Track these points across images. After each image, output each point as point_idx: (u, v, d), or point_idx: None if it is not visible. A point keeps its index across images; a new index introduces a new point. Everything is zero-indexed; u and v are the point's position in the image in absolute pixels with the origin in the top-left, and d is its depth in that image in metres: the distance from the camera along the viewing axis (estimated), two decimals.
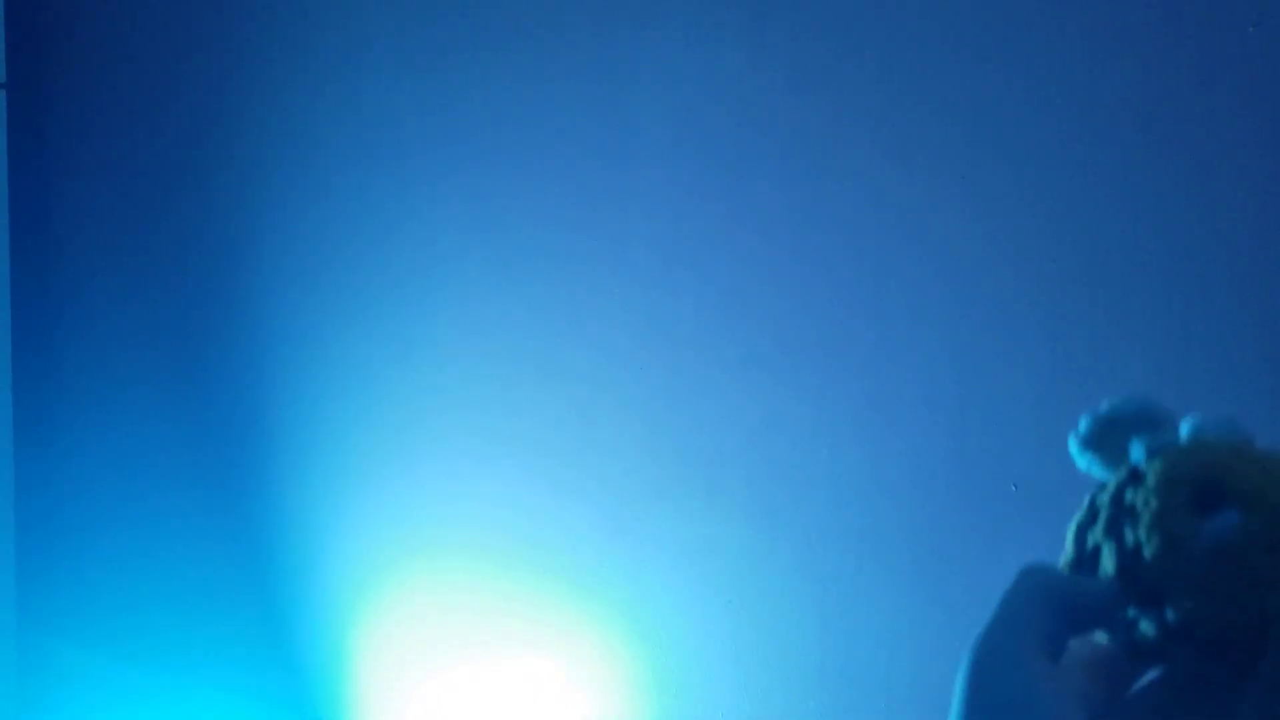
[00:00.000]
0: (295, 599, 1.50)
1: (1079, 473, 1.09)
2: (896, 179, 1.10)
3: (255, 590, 1.53)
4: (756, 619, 1.19)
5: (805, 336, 1.15)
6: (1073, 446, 0.50)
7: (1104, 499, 0.46)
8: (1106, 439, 0.49)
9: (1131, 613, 0.44)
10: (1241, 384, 0.97)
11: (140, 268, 1.63)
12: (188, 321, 1.58)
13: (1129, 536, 0.44)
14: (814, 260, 1.14)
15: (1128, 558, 0.44)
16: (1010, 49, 1.04)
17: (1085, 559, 0.46)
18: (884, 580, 1.13)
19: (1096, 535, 0.46)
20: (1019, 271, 1.05)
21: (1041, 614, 0.45)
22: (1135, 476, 0.46)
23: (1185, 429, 0.48)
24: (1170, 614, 0.43)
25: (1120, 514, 0.45)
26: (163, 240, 1.60)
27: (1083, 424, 0.50)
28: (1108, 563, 0.45)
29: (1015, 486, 1.06)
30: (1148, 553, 0.43)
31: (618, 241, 1.25)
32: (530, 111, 1.29)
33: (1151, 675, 0.45)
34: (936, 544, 1.10)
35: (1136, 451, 0.47)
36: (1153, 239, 1.00)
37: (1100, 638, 0.46)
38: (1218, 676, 0.43)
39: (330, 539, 1.47)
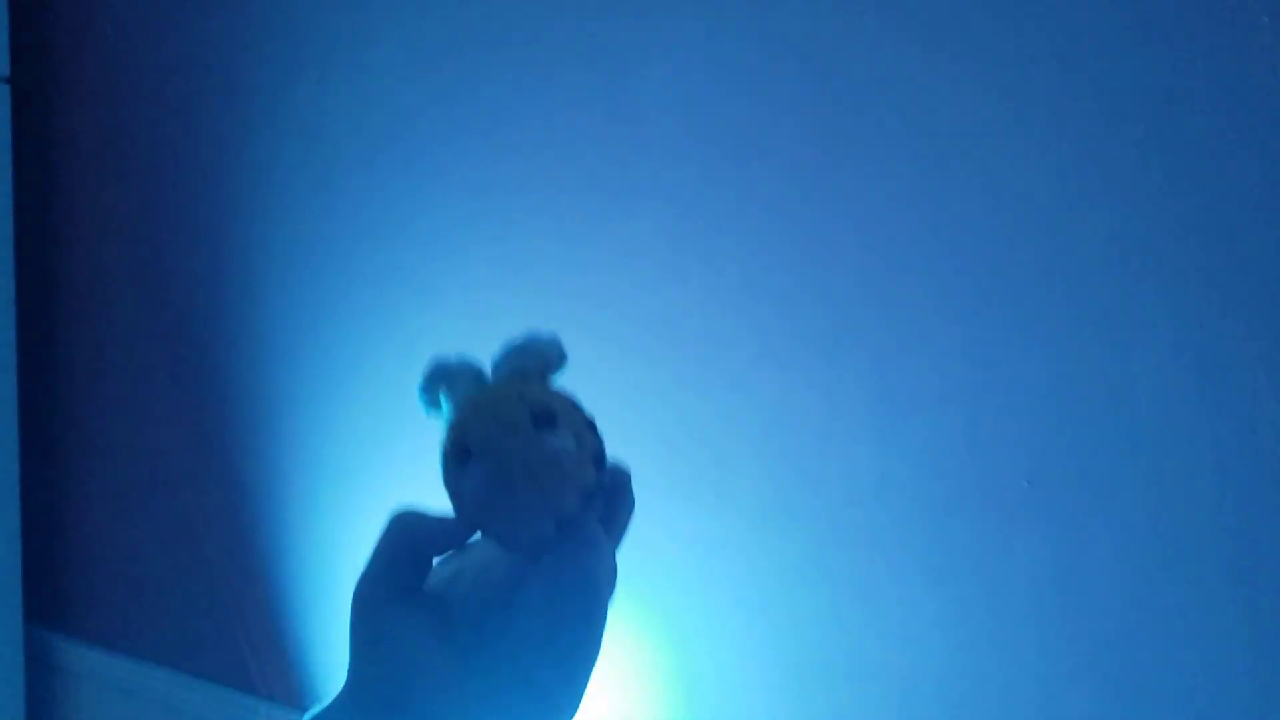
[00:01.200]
0: (303, 596, 1.50)
1: (1094, 469, 1.09)
2: (911, 171, 1.09)
3: (263, 586, 1.53)
4: (767, 616, 1.18)
5: (817, 331, 1.14)
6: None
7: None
8: (434, 393, 0.61)
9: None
10: (1258, 376, 0.96)
11: (146, 263, 1.62)
12: (194, 316, 1.58)
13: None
14: (825, 255, 1.14)
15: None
16: (1026, 38, 1.03)
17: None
18: (896, 576, 1.12)
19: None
20: (1033, 266, 1.04)
21: (403, 556, 0.56)
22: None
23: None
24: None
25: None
26: (168, 236, 1.60)
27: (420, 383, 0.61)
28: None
29: (1029, 482, 1.05)
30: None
31: (626, 235, 1.24)
32: (535, 105, 1.28)
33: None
34: (949, 540, 1.09)
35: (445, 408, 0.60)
36: (1169, 232, 0.99)
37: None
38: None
39: (337, 533, 1.47)
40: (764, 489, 1.18)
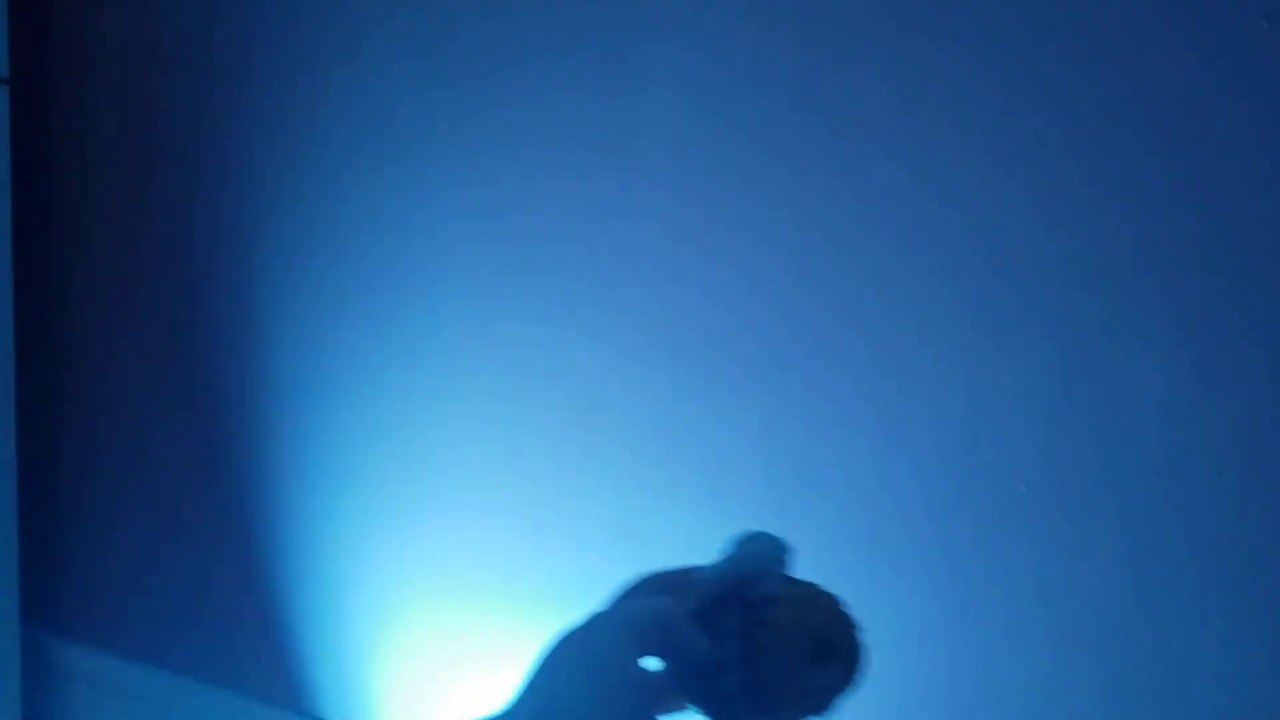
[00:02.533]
0: (301, 597, 1.50)
1: (1089, 473, 1.09)
2: (908, 178, 1.09)
3: (261, 588, 1.53)
4: None
5: (813, 336, 1.14)
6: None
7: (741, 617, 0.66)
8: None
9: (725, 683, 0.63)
10: (1246, 384, 0.96)
11: (145, 263, 1.62)
12: (194, 316, 1.58)
13: (762, 666, 0.64)
14: (822, 260, 1.14)
15: (752, 670, 0.64)
16: (1026, 44, 1.03)
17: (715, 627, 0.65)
18: (893, 581, 1.12)
19: (729, 625, 0.65)
20: (1030, 271, 1.04)
21: (650, 635, 0.61)
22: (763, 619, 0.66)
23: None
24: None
25: (754, 647, 0.64)
26: (167, 236, 1.60)
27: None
28: (732, 649, 0.64)
29: (1025, 486, 1.05)
30: (769, 674, 0.64)
31: (625, 241, 1.24)
32: (535, 110, 1.28)
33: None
34: (946, 545, 1.09)
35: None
36: (1168, 233, 0.99)
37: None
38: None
39: (336, 537, 1.47)
40: (759, 494, 1.18)
